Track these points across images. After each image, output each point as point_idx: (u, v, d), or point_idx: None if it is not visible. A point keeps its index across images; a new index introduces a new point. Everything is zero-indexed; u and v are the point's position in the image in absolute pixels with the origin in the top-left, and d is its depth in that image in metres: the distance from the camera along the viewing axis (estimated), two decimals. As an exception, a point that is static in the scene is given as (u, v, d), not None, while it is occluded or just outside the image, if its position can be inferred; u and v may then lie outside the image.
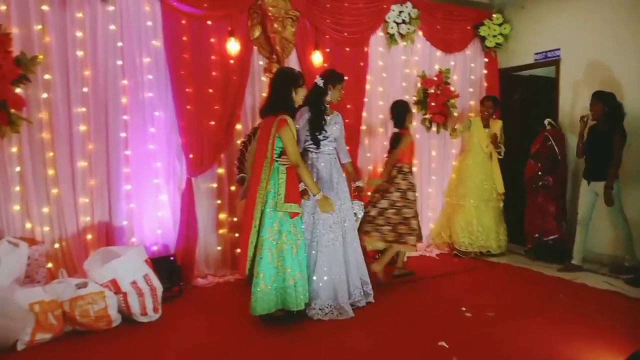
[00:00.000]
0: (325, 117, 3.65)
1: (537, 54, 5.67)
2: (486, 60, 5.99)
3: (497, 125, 5.37)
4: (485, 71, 5.99)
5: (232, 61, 4.42)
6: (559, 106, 5.46)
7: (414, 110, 5.47)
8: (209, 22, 4.34)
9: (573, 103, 5.33)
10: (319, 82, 3.60)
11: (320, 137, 3.61)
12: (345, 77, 3.80)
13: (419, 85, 5.54)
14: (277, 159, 3.28)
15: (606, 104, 4.45)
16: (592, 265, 4.91)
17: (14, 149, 3.62)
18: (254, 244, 3.31)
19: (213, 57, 4.36)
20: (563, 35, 5.39)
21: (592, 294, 4.13)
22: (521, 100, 6.00)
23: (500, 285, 4.37)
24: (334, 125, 3.70)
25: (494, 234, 5.33)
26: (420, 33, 5.51)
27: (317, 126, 3.57)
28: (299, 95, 3.37)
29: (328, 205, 3.36)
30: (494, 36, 5.83)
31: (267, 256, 3.26)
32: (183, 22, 4.23)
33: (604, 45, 5.01)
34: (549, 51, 5.54)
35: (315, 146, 3.63)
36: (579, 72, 5.25)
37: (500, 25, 5.82)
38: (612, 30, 4.93)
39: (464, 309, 3.67)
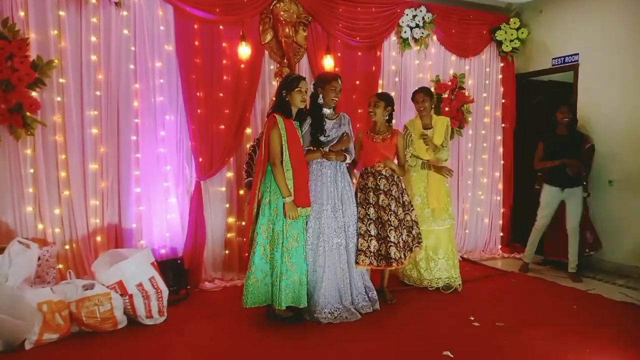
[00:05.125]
0: (326, 119, 3.66)
1: (554, 58, 5.56)
2: (502, 64, 5.89)
3: (441, 123, 4.30)
4: (500, 76, 5.89)
5: (243, 65, 4.43)
6: (577, 112, 5.33)
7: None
8: (221, 27, 4.36)
9: (591, 109, 5.20)
10: (311, 87, 3.69)
11: (322, 138, 3.61)
12: (341, 78, 3.70)
13: (432, 90, 5.46)
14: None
15: (573, 112, 4.82)
16: (609, 276, 4.79)
17: (28, 151, 3.68)
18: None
19: (224, 62, 4.38)
20: (582, 40, 5.27)
21: (606, 305, 4.01)
22: (539, 105, 5.87)
23: (511, 295, 4.27)
24: (338, 128, 3.69)
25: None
26: (435, 37, 5.45)
27: (315, 128, 3.60)
28: (296, 98, 3.40)
29: (293, 212, 3.31)
30: (511, 41, 5.73)
31: (260, 251, 3.35)
32: (195, 26, 4.26)
33: (624, 50, 4.87)
34: (567, 56, 5.42)
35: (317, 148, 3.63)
36: (598, 77, 5.12)
37: (517, 29, 5.72)
38: (632, 35, 4.80)
39: (472, 318, 3.61)
